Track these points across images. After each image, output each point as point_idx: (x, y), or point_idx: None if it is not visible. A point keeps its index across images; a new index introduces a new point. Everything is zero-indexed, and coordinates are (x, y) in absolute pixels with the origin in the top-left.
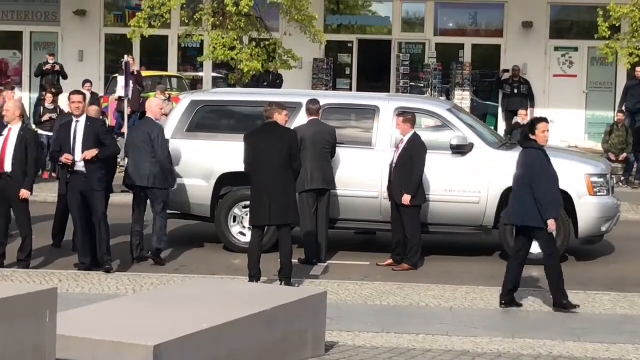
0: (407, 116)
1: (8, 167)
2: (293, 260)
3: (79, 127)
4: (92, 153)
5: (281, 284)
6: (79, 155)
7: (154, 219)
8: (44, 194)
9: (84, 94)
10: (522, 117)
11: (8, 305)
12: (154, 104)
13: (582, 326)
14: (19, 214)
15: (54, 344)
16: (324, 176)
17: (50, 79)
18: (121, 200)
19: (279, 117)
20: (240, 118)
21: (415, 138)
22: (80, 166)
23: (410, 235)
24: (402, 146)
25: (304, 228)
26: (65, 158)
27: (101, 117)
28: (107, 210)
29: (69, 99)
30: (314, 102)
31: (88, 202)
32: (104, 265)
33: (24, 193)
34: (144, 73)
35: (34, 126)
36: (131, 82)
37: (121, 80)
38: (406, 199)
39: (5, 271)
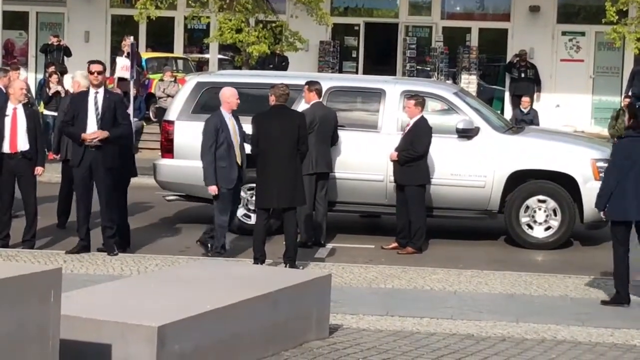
0: (419, 99)
1: (22, 146)
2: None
3: (98, 99)
4: (104, 134)
5: (286, 267)
6: (92, 128)
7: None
8: (49, 174)
9: (103, 64)
10: (525, 105)
11: (12, 285)
12: None
13: (586, 311)
14: (27, 194)
15: (58, 324)
16: (326, 160)
17: (55, 56)
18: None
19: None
20: (246, 100)
21: (421, 121)
22: (94, 141)
23: (414, 218)
24: (407, 129)
25: (302, 211)
26: (89, 136)
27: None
28: (124, 193)
29: (88, 68)
30: (315, 83)
31: (95, 179)
32: (109, 250)
33: (39, 169)
34: (150, 54)
35: (41, 106)
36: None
37: (120, 61)
38: (393, 154)
39: (9, 251)
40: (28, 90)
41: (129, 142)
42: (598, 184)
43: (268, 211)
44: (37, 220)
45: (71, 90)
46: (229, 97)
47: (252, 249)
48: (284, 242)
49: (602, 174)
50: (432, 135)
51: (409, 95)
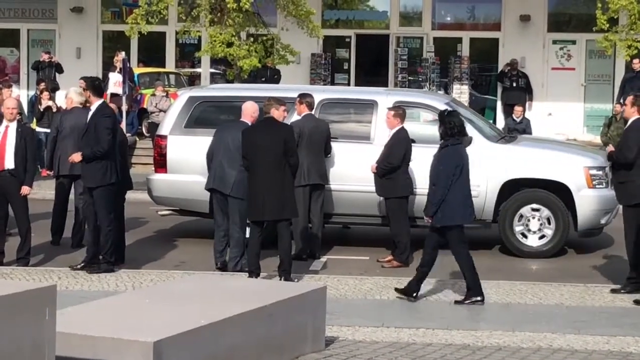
0: (398, 111)
1: (9, 164)
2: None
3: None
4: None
5: (280, 279)
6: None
7: None
8: (42, 191)
9: (19, 102)
10: (518, 114)
11: (7, 303)
12: None
13: (582, 319)
14: (18, 211)
15: (54, 341)
16: (319, 171)
17: (47, 72)
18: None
19: (276, 113)
20: (238, 114)
21: (399, 133)
22: None
23: (396, 231)
24: (387, 140)
25: (297, 223)
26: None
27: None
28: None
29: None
30: (307, 95)
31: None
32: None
33: (25, 189)
34: (142, 70)
35: (34, 123)
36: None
37: (112, 76)
38: (373, 166)
39: (4, 269)
40: (20, 107)
41: (124, 155)
42: (592, 192)
43: (261, 224)
44: (31, 238)
45: (64, 107)
46: (253, 112)
47: (247, 263)
48: (278, 255)
49: (595, 182)
50: (419, 146)
51: (390, 107)
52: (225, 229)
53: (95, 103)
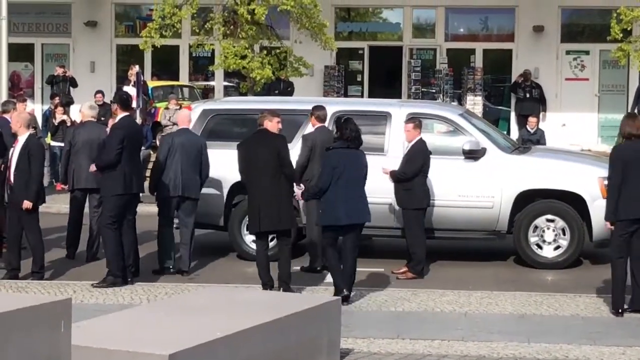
0: (416, 122)
1: (12, 178)
2: (295, 268)
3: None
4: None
5: (280, 290)
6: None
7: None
8: (57, 205)
9: None
10: (532, 125)
11: (23, 316)
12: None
13: (598, 329)
14: (27, 226)
15: (69, 354)
16: None
17: (62, 87)
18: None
19: (269, 125)
20: (252, 126)
21: (418, 144)
22: None
23: (411, 241)
24: (406, 151)
25: (310, 235)
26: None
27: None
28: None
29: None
30: (320, 108)
31: None
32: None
33: (25, 204)
34: (156, 83)
35: (48, 137)
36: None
37: (126, 90)
38: (386, 169)
39: (19, 282)
40: (35, 121)
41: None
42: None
43: (265, 237)
44: (43, 251)
45: (78, 121)
46: (189, 120)
47: (258, 276)
48: (277, 266)
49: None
50: (433, 157)
51: (407, 118)
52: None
53: (119, 116)
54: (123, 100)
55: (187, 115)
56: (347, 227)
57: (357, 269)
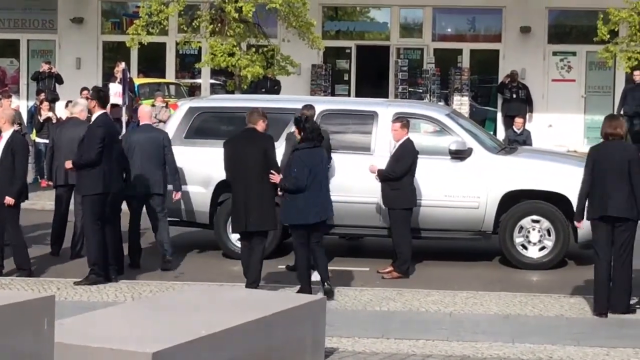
0: (404, 121)
1: None
2: (281, 267)
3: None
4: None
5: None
6: None
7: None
8: (42, 202)
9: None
10: (518, 125)
11: (5, 313)
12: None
13: (582, 330)
14: (7, 223)
15: (52, 352)
16: None
17: (47, 83)
18: None
19: (262, 125)
20: (239, 124)
21: (406, 143)
22: None
23: (398, 241)
24: (393, 151)
25: None
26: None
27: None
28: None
29: None
30: (309, 107)
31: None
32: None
33: (7, 200)
34: (142, 80)
35: (33, 134)
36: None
37: (113, 87)
38: (373, 167)
39: (3, 279)
40: (20, 118)
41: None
42: None
43: (249, 237)
44: (25, 247)
45: (64, 117)
46: (150, 115)
47: (243, 274)
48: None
49: None
50: (419, 157)
51: (394, 118)
52: None
53: (96, 113)
54: (101, 97)
55: (148, 111)
56: (315, 224)
57: (343, 269)
